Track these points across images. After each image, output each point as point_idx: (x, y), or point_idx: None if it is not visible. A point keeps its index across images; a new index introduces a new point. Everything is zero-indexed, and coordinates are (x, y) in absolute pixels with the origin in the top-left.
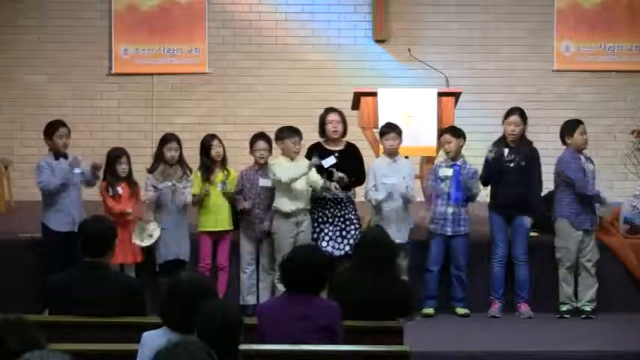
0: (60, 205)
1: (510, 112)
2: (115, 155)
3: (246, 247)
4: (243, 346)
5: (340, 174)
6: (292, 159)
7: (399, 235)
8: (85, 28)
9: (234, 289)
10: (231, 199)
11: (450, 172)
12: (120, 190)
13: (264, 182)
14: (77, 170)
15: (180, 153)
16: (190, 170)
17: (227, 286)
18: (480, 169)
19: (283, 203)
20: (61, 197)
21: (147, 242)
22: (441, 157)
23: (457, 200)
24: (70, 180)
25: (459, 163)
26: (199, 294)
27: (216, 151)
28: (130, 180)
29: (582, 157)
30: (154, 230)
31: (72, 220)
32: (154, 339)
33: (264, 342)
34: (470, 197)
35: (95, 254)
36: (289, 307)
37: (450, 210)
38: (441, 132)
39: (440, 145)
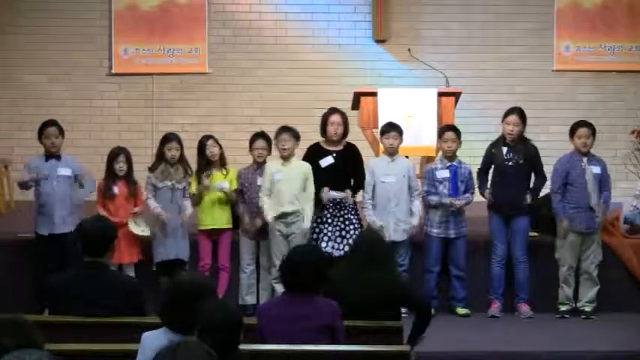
0: (42, 207)
1: (509, 112)
2: (114, 154)
3: (246, 247)
4: (243, 346)
5: (334, 194)
6: (282, 159)
7: (396, 233)
8: (85, 28)
9: (234, 289)
10: (233, 201)
11: (446, 173)
12: (116, 189)
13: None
14: (64, 172)
15: (182, 152)
16: (192, 170)
17: (227, 286)
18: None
19: (271, 205)
20: (42, 199)
21: (135, 230)
22: (438, 159)
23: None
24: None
25: (455, 163)
26: (200, 295)
27: (210, 151)
28: (128, 179)
29: (584, 159)
30: (141, 222)
31: (52, 222)
32: (154, 339)
33: (264, 342)
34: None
35: (95, 254)
36: (289, 307)
37: (451, 213)
38: (441, 129)
39: (441, 142)
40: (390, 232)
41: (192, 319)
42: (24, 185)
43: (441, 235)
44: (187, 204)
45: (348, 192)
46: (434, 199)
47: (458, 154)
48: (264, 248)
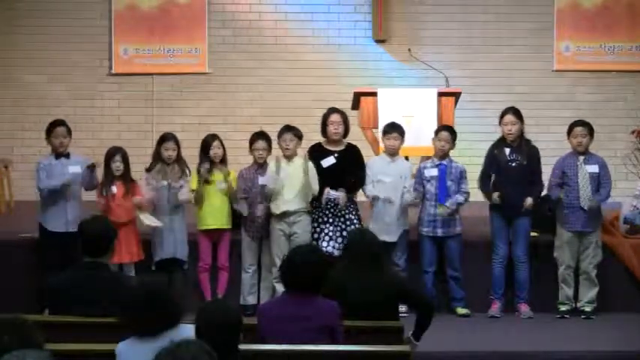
0: (55, 204)
1: (505, 112)
2: (110, 154)
3: (248, 247)
4: (243, 346)
5: (333, 194)
6: (285, 158)
7: (390, 234)
8: (85, 28)
9: (234, 289)
10: (233, 200)
11: (435, 172)
12: (114, 189)
13: (263, 181)
14: (73, 170)
15: (179, 152)
16: (189, 170)
17: (227, 286)
18: (479, 169)
19: (274, 204)
20: (56, 197)
21: (150, 221)
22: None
23: (444, 201)
24: (69, 181)
25: (445, 162)
26: (153, 295)
27: (214, 152)
28: (125, 179)
29: (580, 159)
30: (149, 215)
31: (66, 220)
32: (127, 349)
33: (264, 342)
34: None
35: (95, 254)
36: (289, 307)
37: (440, 211)
38: (437, 128)
39: (435, 140)
40: (383, 233)
41: (155, 323)
42: (54, 188)
43: (430, 234)
44: (185, 187)
45: (342, 194)
46: (412, 195)
47: (456, 153)
48: (266, 248)
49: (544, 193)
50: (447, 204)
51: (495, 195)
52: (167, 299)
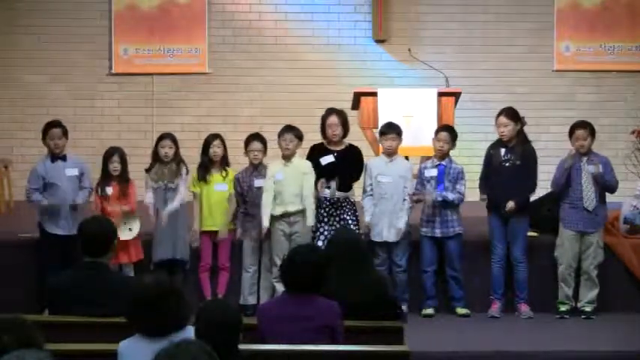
0: (52, 208)
1: (498, 114)
2: (108, 154)
3: (249, 247)
4: (243, 346)
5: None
6: (284, 158)
7: (390, 234)
8: (85, 28)
9: (234, 289)
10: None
11: (434, 172)
12: (109, 190)
13: (259, 183)
14: (71, 173)
15: (176, 151)
16: (187, 169)
17: (227, 286)
18: (478, 169)
19: (273, 205)
20: (52, 200)
21: (126, 236)
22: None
23: (442, 201)
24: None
25: (444, 163)
26: (162, 295)
27: (213, 150)
28: (122, 179)
29: (583, 159)
30: (134, 224)
31: (67, 224)
32: (130, 348)
33: (264, 342)
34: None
35: (95, 254)
36: (289, 307)
37: (438, 211)
38: (437, 129)
39: (435, 140)
40: (384, 233)
41: (163, 322)
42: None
43: (428, 234)
44: (175, 199)
45: (328, 184)
46: (414, 196)
47: (456, 153)
48: (267, 248)
49: (545, 192)
50: (428, 190)
51: (483, 199)
52: (179, 299)
